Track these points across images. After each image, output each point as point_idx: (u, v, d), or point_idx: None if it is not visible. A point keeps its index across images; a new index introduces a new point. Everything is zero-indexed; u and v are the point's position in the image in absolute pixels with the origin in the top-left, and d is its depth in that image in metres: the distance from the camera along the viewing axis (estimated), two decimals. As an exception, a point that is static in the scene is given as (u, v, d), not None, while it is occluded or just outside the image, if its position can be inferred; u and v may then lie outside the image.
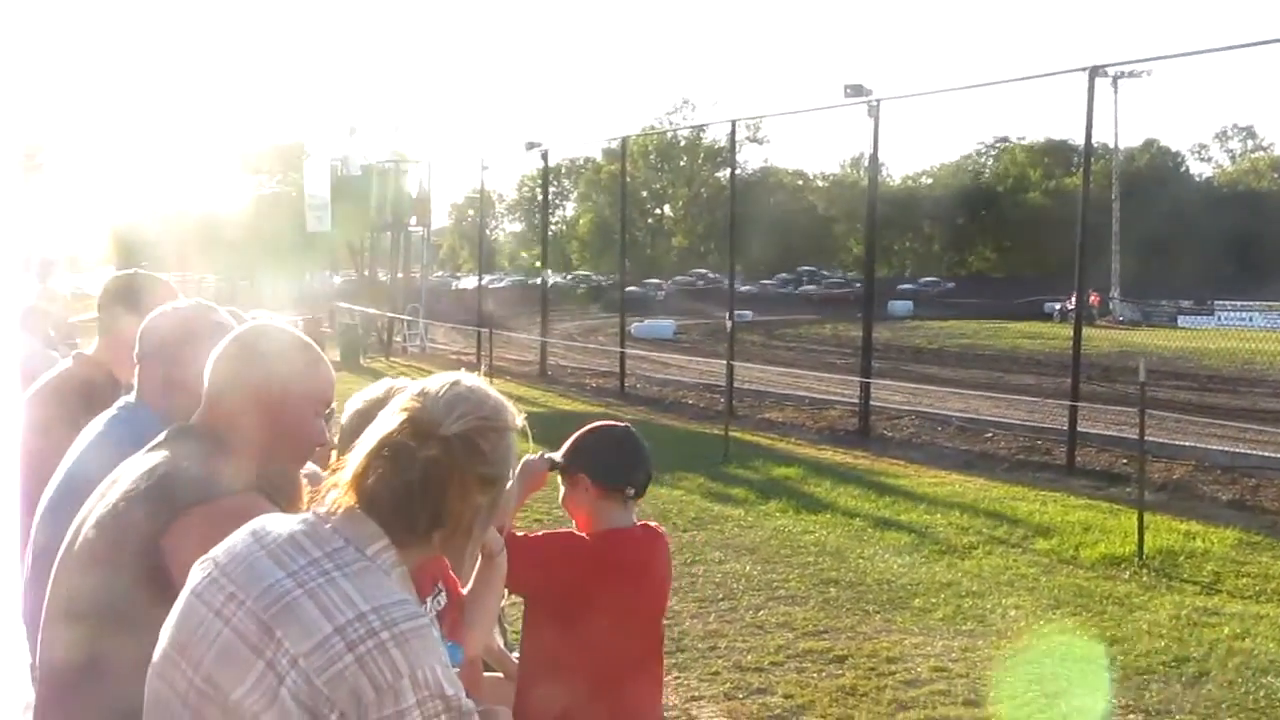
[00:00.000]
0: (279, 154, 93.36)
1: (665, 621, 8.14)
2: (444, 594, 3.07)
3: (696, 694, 7.12)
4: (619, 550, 3.58)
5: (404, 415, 2.10)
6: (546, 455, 3.61)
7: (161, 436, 2.85)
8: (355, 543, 2.05)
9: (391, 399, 2.25)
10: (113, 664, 2.54)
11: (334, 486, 2.12)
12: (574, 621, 3.44)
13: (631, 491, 3.65)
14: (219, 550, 2.16)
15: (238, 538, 2.16)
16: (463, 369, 2.23)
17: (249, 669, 1.95)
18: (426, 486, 2.06)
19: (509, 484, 2.19)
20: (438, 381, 2.16)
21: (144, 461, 2.78)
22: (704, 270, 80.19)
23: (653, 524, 3.77)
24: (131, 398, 3.56)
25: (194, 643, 2.06)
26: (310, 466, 2.92)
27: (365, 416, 2.53)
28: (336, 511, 2.09)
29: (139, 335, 3.52)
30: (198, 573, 2.16)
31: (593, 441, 3.72)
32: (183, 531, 2.55)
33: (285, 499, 2.73)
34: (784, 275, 78.59)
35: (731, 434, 16.16)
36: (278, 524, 2.15)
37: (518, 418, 2.20)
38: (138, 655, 2.23)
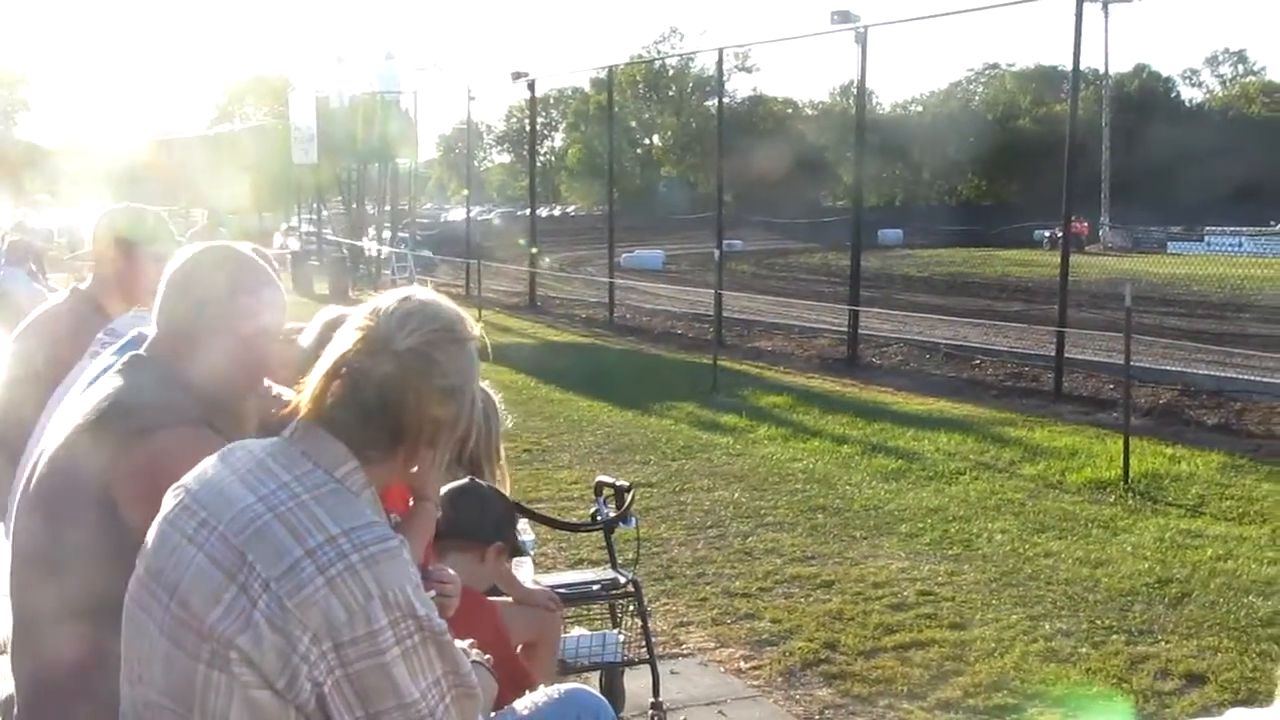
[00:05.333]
0: (266, 86, 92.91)
1: (654, 550, 8.25)
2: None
3: (684, 620, 7.17)
4: None
5: (358, 334, 2.10)
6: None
7: (117, 365, 2.82)
8: (324, 465, 2.05)
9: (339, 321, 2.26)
10: (75, 600, 2.54)
11: (295, 410, 2.12)
12: None
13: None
14: (190, 476, 2.17)
15: (208, 463, 2.17)
16: (414, 284, 2.23)
17: (223, 593, 1.97)
18: (383, 403, 2.07)
19: (475, 394, 2.20)
20: (390, 298, 2.16)
21: (94, 393, 2.76)
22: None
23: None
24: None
25: (168, 569, 2.07)
26: (280, 389, 2.92)
27: (322, 341, 2.54)
28: (303, 434, 2.10)
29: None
30: (170, 500, 2.17)
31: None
32: (126, 465, 2.55)
33: (234, 427, 2.72)
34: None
35: (720, 363, 16.18)
36: (248, 449, 2.16)
37: (474, 328, 2.20)
38: (97, 590, 2.23)
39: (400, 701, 1.95)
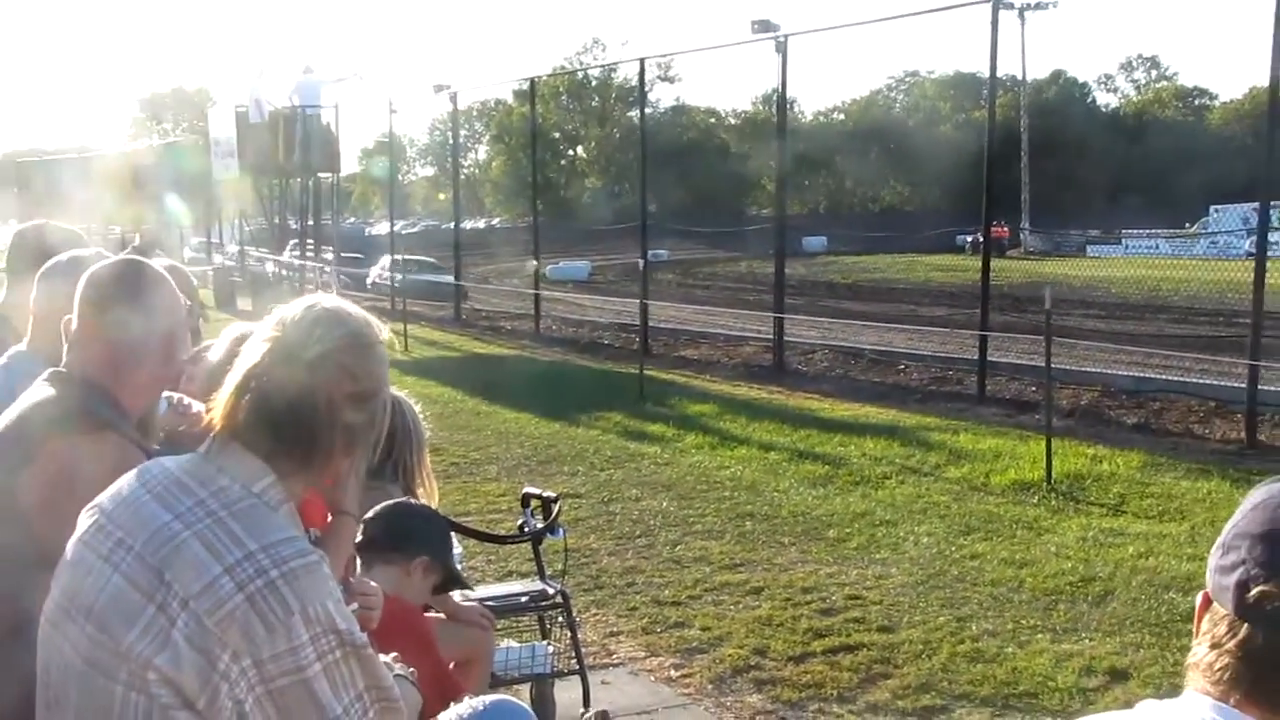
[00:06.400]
0: (185, 100, 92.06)
1: (583, 561, 8.25)
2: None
3: (615, 629, 7.18)
4: None
5: (266, 345, 2.09)
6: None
7: (37, 382, 2.81)
8: (241, 480, 2.03)
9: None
10: None
11: (210, 426, 2.10)
12: None
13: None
14: (105, 496, 2.14)
15: (123, 482, 2.14)
16: (319, 291, 2.22)
17: (140, 614, 1.94)
18: (295, 413, 2.05)
19: (388, 397, 2.19)
20: (295, 307, 2.14)
21: (13, 409, 2.75)
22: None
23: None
24: (23, 347, 3.49)
25: (84, 591, 2.04)
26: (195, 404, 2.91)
27: (231, 357, 2.55)
28: (218, 450, 2.08)
29: (35, 283, 3.45)
30: (85, 520, 2.14)
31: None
32: (34, 476, 2.53)
33: (146, 435, 2.72)
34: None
35: (647, 372, 16.19)
36: (163, 466, 2.13)
37: (383, 331, 2.19)
38: (19, 607, 2.21)
39: (323, 717, 1.93)
